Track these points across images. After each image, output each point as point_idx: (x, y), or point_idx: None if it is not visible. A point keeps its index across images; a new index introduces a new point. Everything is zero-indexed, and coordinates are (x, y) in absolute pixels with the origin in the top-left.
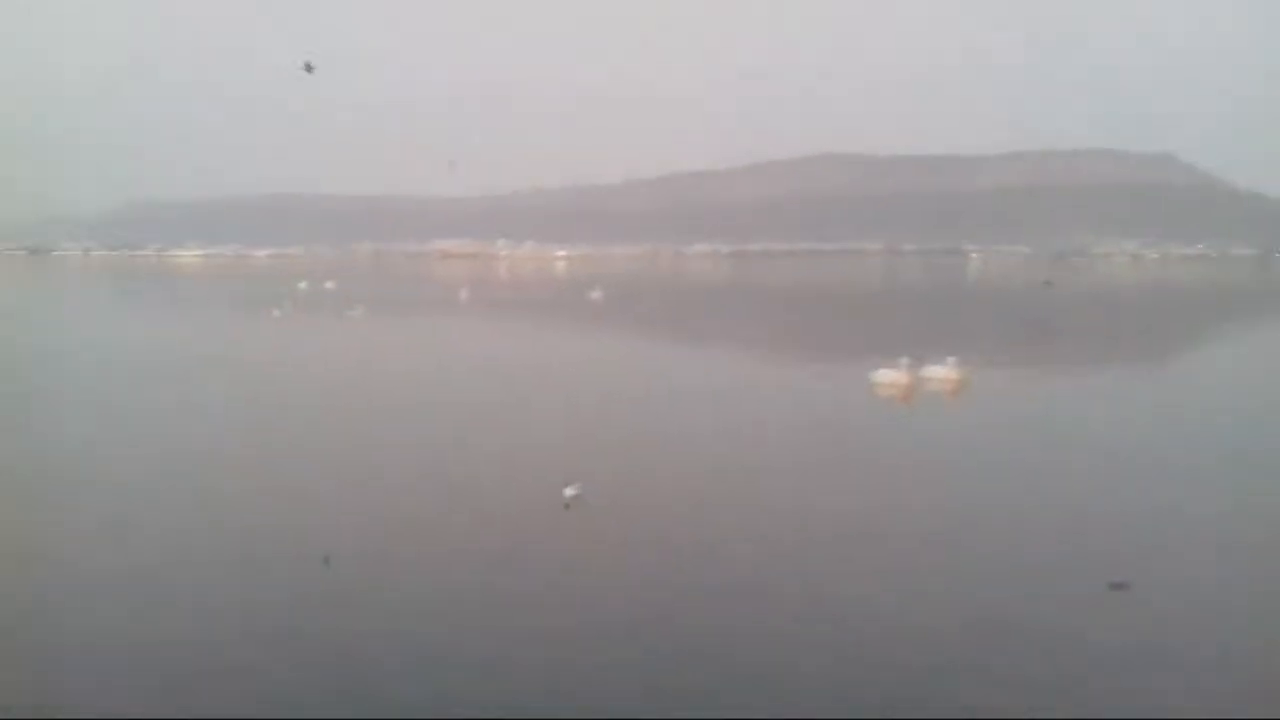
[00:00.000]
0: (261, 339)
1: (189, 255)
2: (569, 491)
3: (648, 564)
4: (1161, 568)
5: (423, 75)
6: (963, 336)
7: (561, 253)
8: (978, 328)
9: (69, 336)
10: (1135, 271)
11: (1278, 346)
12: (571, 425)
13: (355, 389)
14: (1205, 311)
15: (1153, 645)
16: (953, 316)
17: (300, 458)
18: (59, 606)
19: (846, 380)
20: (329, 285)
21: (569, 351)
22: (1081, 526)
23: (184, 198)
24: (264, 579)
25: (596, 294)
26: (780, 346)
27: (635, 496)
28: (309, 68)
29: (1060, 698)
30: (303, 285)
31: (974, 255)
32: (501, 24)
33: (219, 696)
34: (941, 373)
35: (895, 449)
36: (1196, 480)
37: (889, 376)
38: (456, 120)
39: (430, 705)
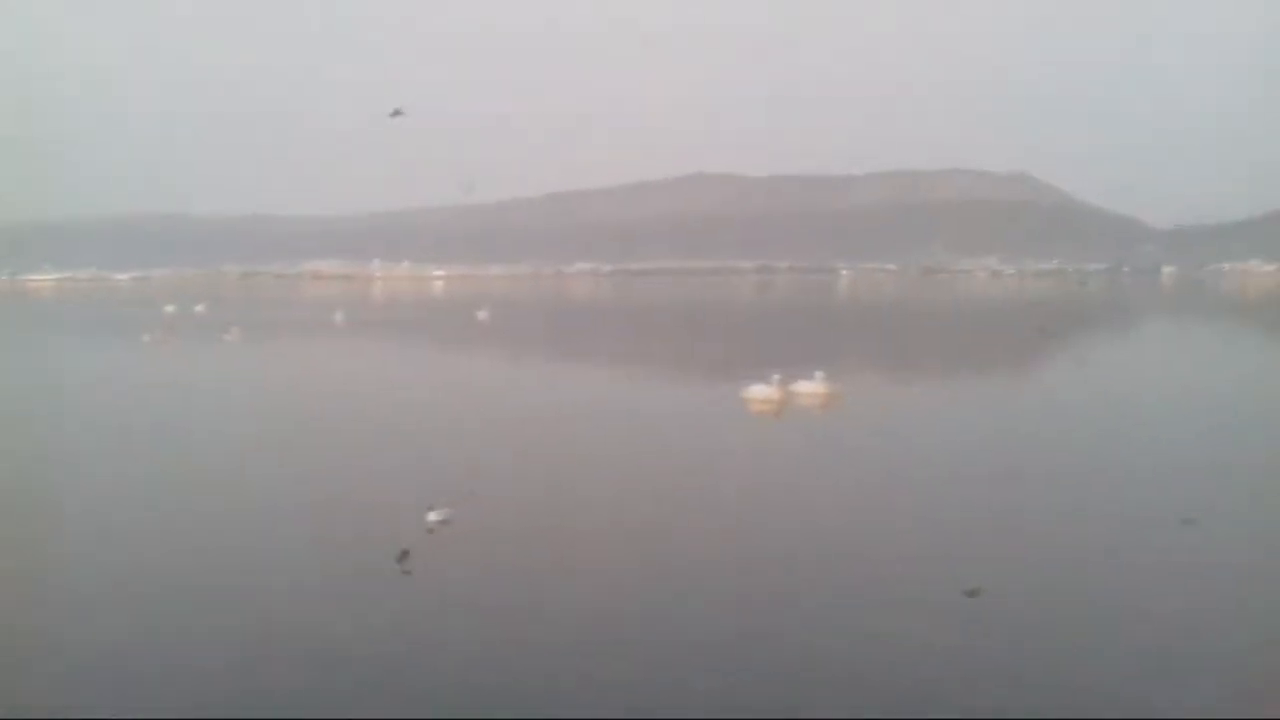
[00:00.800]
0: (136, 366)
1: (43, 280)
2: (433, 516)
3: (509, 589)
4: (1013, 574)
5: (292, 89)
6: (832, 352)
7: (439, 273)
8: (846, 343)
9: None
10: (995, 286)
11: (1126, 355)
12: (448, 447)
13: (236, 413)
14: (1060, 323)
15: (1003, 650)
16: (823, 332)
17: (161, 485)
18: None
19: (720, 397)
20: (199, 309)
21: (451, 373)
22: (936, 534)
23: (35, 218)
24: (93, 614)
25: (484, 314)
26: (659, 364)
27: (505, 520)
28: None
29: (909, 701)
30: (170, 309)
31: (844, 272)
32: (379, 42)
33: None
34: (810, 388)
35: (765, 462)
36: (1047, 486)
37: (761, 393)
38: (328, 137)
39: None
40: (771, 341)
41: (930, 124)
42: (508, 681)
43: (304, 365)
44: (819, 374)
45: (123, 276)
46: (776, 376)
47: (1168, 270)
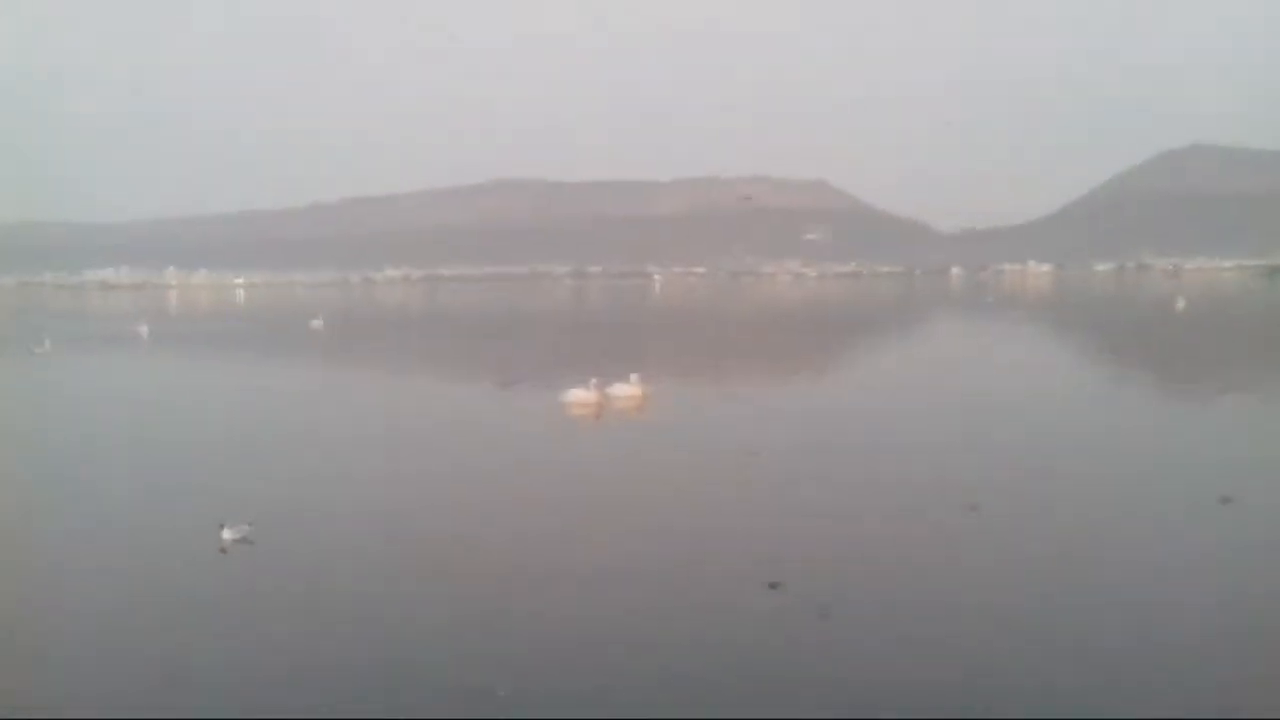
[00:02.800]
0: None
1: None
2: (227, 535)
3: (311, 608)
4: (813, 566)
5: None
6: (647, 354)
7: (239, 281)
8: (661, 345)
9: None
10: (798, 289)
11: (922, 353)
12: (254, 460)
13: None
14: (858, 323)
15: (802, 644)
16: (638, 336)
17: None
18: None
19: (540, 402)
20: None
21: (280, 382)
22: (743, 529)
23: None
24: None
25: (318, 323)
26: (481, 370)
27: (308, 536)
28: None
29: (713, 701)
30: None
31: (656, 277)
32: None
33: None
34: (627, 390)
35: (582, 466)
36: (842, 479)
37: (579, 396)
38: (117, 139)
39: None
40: (589, 346)
41: (731, 131)
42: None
43: (137, 378)
44: (634, 376)
45: None
46: (594, 380)
47: (955, 271)
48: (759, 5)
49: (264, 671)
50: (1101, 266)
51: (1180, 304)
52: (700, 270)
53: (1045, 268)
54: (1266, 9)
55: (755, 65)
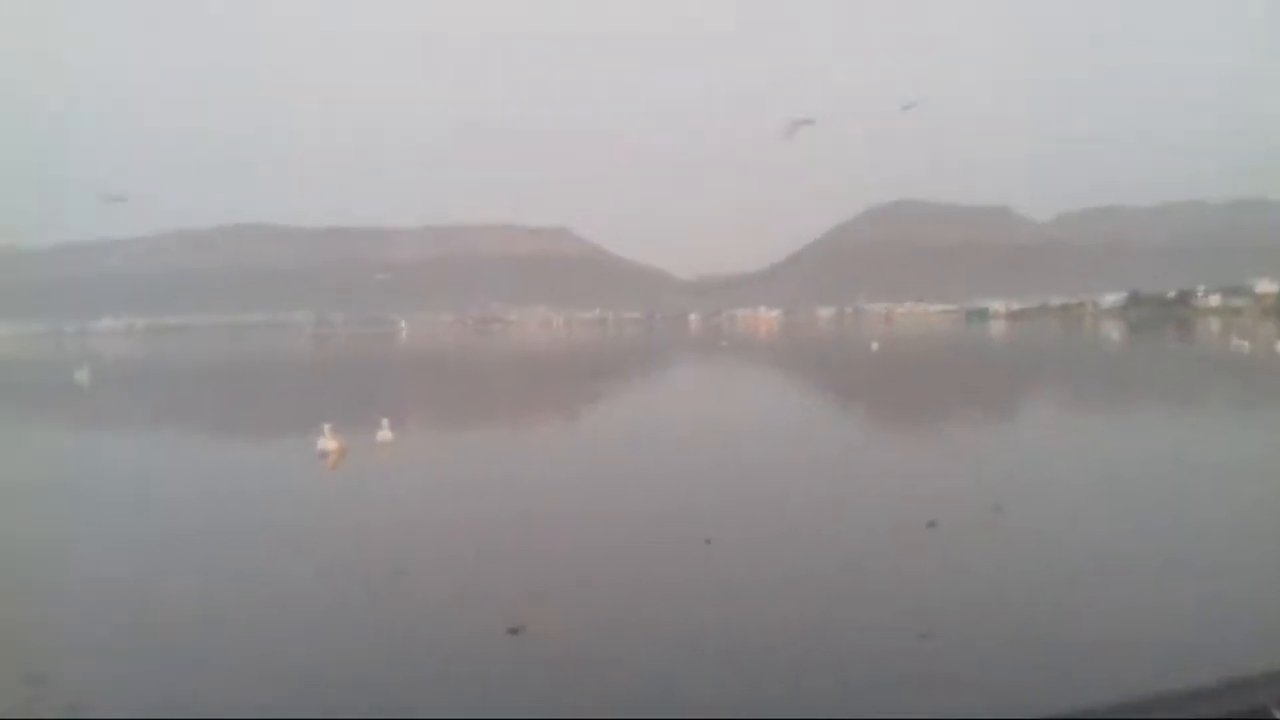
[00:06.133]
0: None
1: None
2: None
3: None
4: (552, 611)
5: None
6: (396, 401)
7: None
8: (409, 393)
9: None
10: (545, 334)
11: (663, 393)
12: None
13: None
14: (606, 367)
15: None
16: (387, 383)
17: None
18: None
19: (284, 450)
20: None
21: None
22: (484, 571)
23: None
24: None
25: (82, 375)
26: (231, 421)
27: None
28: None
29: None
30: None
31: (402, 324)
32: None
33: None
34: (379, 436)
35: (326, 510)
36: (590, 520)
37: (326, 445)
38: None
39: None
40: (337, 394)
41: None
42: None
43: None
44: (385, 421)
45: None
46: (329, 427)
47: (693, 317)
48: (504, 48)
49: None
50: (824, 311)
51: (874, 346)
52: (446, 317)
53: (774, 313)
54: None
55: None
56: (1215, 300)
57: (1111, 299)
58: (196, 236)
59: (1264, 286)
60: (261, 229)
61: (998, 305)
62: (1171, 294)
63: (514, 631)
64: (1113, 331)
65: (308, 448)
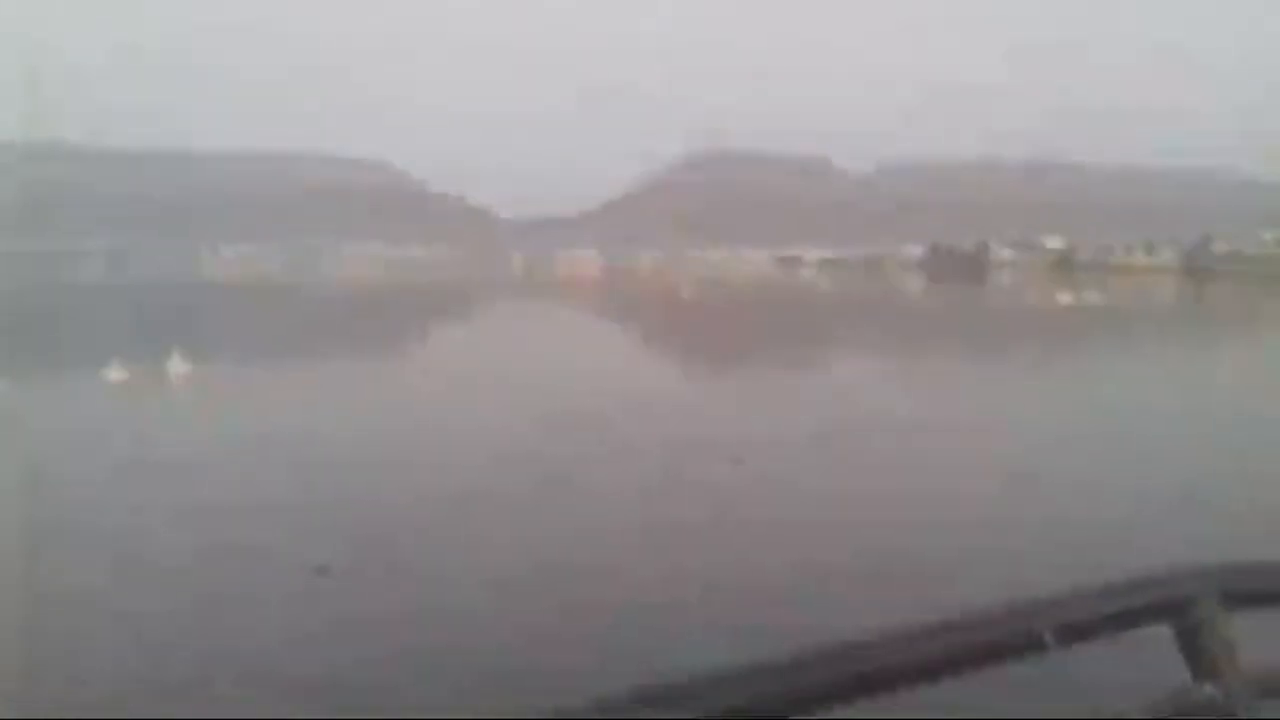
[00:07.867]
0: None
1: None
2: None
3: None
4: (364, 552)
5: None
6: (200, 334)
7: None
8: (216, 325)
9: None
10: (372, 270)
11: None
12: None
13: None
14: (428, 305)
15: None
16: (193, 315)
17: None
18: None
19: (81, 380)
20: None
21: None
22: (299, 512)
23: None
24: None
25: None
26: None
27: None
28: None
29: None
30: None
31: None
32: None
33: None
34: (174, 368)
35: (127, 442)
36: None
37: (119, 375)
38: None
39: None
40: (139, 324)
41: (294, 106)
42: None
43: None
44: (176, 356)
45: None
46: (115, 361)
47: (517, 257)
48: None
49: None
50: (645, 255)
51: (685, 292)
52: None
53: (592, 253)
54: (796, 25)
55: (327, 43)
56: (1008, 254)
57: (913, 250)
58: None
59: (1053, 243)
60: (51, 146)
61: (810, 254)
62: (968, 247)
63: (320, 571)
64: (909, 281)
65: (96, 379)
